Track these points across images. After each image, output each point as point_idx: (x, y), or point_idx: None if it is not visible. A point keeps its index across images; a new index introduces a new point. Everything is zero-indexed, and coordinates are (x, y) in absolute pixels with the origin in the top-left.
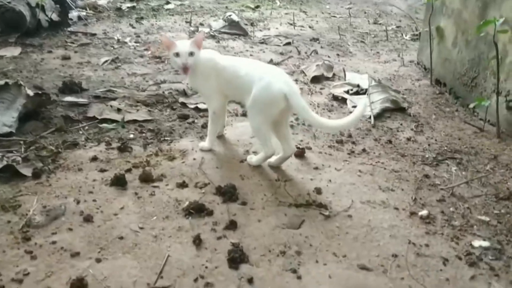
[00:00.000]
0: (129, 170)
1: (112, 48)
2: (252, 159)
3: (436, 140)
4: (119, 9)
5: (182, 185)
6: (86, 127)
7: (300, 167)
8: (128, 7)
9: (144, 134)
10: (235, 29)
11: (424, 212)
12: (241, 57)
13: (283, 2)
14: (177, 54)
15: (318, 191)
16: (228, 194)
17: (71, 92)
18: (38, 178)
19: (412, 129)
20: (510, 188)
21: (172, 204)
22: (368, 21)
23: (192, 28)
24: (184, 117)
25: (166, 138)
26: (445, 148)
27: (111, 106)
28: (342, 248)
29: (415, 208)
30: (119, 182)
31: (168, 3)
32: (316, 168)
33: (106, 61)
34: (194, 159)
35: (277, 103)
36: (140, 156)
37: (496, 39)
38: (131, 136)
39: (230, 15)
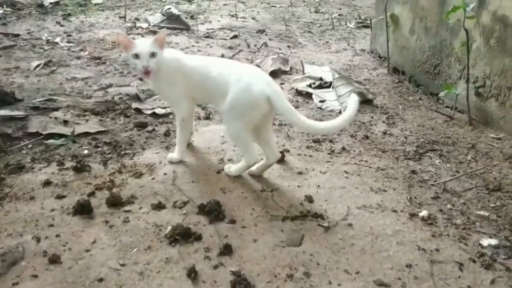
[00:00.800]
0: (92, 194)
1: (42, 50)
2: (231, 168)
3: (410, 132)
4: (41, 5)
5: (159, 206)
6: (30, 145)
7: (283, 173)
8: (51, 3)
9: (100, 149)
10: (176, 23)
11: (424, 213)
12: (210, 56)
13: None
14: (136, 56)
15: (310, 199)
16: (214, 212)
17: (3, 104)
18: None
19: (384, 122)
20: (496, 177)
21: (151, 230)
22: (309, 10)
23: (128, 24)
24: (142, 125)
25: (127, 152)
26: (422, 140)
27: (55, 118)
28: (352, 263)
29: (413, 208)
30: (83, 209)
31: None
32: (300, 173)
33: (38, 65)
34: (165, 173)
35: (259, 106)
36: (102, 175)
37: (465, 25)
38: (86, 152)
39: (169, 8)
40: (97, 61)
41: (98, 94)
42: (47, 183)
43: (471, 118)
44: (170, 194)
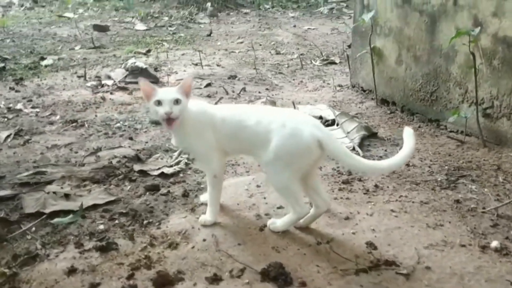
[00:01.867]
0: (131, 276)
1: (6, 119)
2: (276, 224)
3: (430, 160)
4: None
5: (215, 279)
6: (33, 228)
7: (329, 220)
8: None
9: (117, 221)
10: (143, 77)
11: (495, 244)
12: (240, 104)
13: (171, 43)
14: (158, 102)
15: (373, 246)
16: (281, 277)
17: None
18: None
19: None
20: None
21: None
22: (270, 52)
23: (93, 82)
24: (154, 189)
25: (149, 221)
26: (446, 167)
27: (53, 192)
28: None
29: (479, 240)
30: None
31: (43, 59)
32: (347, 218)
33: (8, 136)
34: (204, 240)
35: (310, 152)
36: (132, 252)
37: (472, 49)
38: (102, 227)
39: (134, 63)
40: (74, 124)
41: (90, 160)
42: (71, 271)
43: (484, 140)
44: (220, 263)
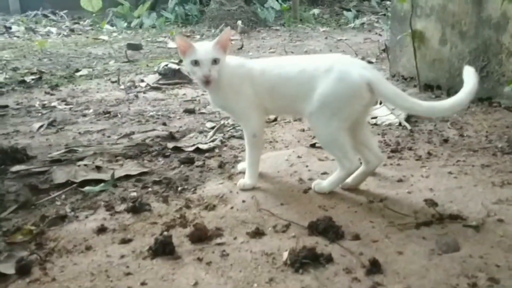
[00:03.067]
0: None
1: (40, 114)
2: (322, 184)
3: (487, 131)
4: (22, 81)
5: (257, 233)
6: (63, 196)
7: (380, 183)
8: (33, 79)
9: (150, 189)
10: (176, 78)
11: None
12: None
13: None
14: (196, 62)
15: (432, 202)
16: (331, 230)
17: (15, 162)
18: (27, 274)
19: (450, 128)
20: None
21: (263, 260)
22: None
23: (128, 84)
24: (189, 161)
25: (184, 187)
26: (507, 136)
27: (85, 165)
28: None
29: None
30: (165, 249)
31: (78, 70)
32: (400, 180)
33: (41, 126)
34: (244, 201)
35: (360, 96)
36: (167, 213)
37: None
38: (134, 194)
39: (166, 65)
40: (107, 115)
41: (122, 141)
42: (101, 229)
43: None
44: (262, 220)
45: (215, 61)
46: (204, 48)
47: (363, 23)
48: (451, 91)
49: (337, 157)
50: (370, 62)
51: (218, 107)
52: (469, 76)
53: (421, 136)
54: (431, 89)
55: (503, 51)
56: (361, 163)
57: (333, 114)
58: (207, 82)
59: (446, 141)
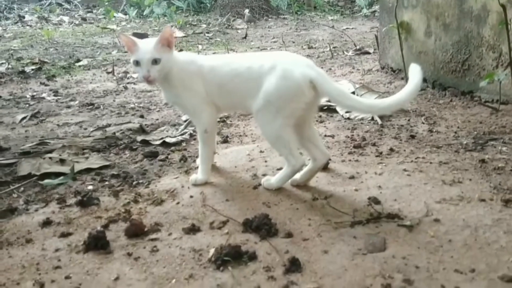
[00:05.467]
0: (106, 227)
1: (27, 105)
2: (271, 180)
3: (458, 127)
4: (22, 72)
5: (192, 229)
6: (22, 189)
7: (332, 179)
8: (33, 69)
9: (107, 182)
10: None
11: None
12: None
13: (205, 45)
14: (137, 63)
15: (375, 200)
16: (264, 227)
17: None
18: None
19: (423, 123)
20: None
21: (189, 257)
22: (302, 47)
23: (120, 75)
24: (152, 155)
25: (140, 181)
26: (475, 132)
27: (50, 158)
28: (461, 261)
29: (503, 195)
30: (97, 244)
31: (79, 60)
32: (352, 177)
33: (24, 117)
34: (191, 196)
35: (302, 93)
36: (114, 207)
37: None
38: (90, 187)
39: None
40: (90, 107)
41: (95, 133)
42: (46, 223)
43: None
44: (203, 216)
45: (155, 61)
46: (144, 48)
47: (374, 11)
48: (436, 83)
49: (283, 154)
50: (367, 53)
51: (171, 103)
52: (414, 75)
53: (390, 131)
54: None
55: (483, 44)
56: (309, 160)
57: (277, 111)
58: (148, 82)
59: (413, 137)
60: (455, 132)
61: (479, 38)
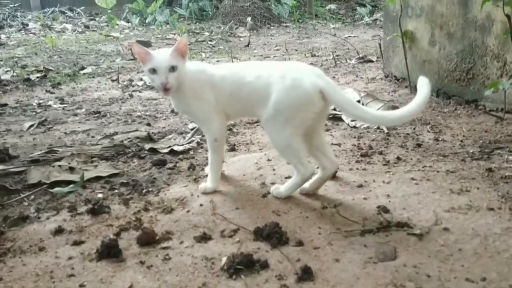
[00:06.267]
0: (117, 235)
1: (34, 113)
2: (280, 189)
3: (464, 136)
4: (27, 79)
5: (204, 238)
6: (32, 197)
7: (340, 188)
8: (38, 77)
9: (117, 191)
10: None
11: None
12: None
13: (208, 53)
14: (153, 71)
15: (384, 209)
16: (275, 235)
17: None
18: None
19: (429, 132)
20: None
21: (202, 265)
22: (305, 55)
23: (125, 83)
24: (161, 163)
25: (149, 190)
26: (481, 141)
27: (59, 166)
28: (472, 269)
29: (511, 204)
30: (110, 252)
31: (83, 68)
32: (361, 185)
33: (32, 125)
34: (201, 205)
35: (312, 103)
36: (124, 215)
37: (506, 10)
38: (100, 195)
39: None
40: (96, 115)
41: (103, 141)
42: (58, 231)
43: None
44: (213, 225)
45: (172, 68)
46: (161, 55)
47: (376, 19)
48: (440, 92)
49: (292, 163)
50: (370, 61)
51: (180, 112)
52: (422, 87)
53: (396, 139)
54: None
55: (487, 53)
56: (317, 168)
57: (287, 121)
58: (165, 89)
59: (419, 145)
60: (461, 141)
61: (484, 47)
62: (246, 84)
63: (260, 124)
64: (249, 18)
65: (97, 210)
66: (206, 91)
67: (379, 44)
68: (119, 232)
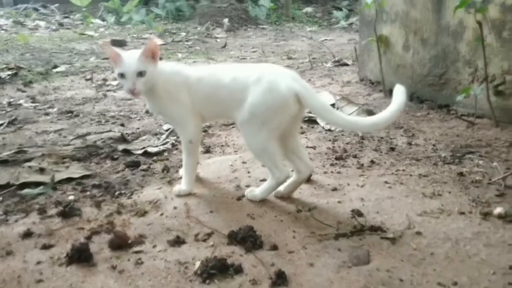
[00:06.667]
0: (89, 238)
1: (4, 112)
2: (255, 192)
3: (436, 140)
4: None
5: (177, 241)
6: (0, 198)
7: (315, 191)
8: (8, 75)
9: (88, 193)
10: None
11: (499, 210)
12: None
13: (185, 53)
14: (121, 75)
15: (358, 213)
16: (249, 239)
17: None
18: None
19: (402, 135)
20: None
21: (175, 270)
22: (282, 58)
23: (99, 82)
24: (134, 165)
25: (122, 192)
26: (453, 145)
27: (29, 167)
28: (443, 273)
29: (482, 208)
30: (81, 256)
31: (56, 66)
32: (335, 189)
33: (1, 124)
34: (175, 208)
35: (287, 106)
36: (96, 218)
37: (480, 19)
38: (71, 197)
39: None
40: (69, 114)
41: (75, 142)
42: (27, 234)
43: (497, 120)
44: (187, 228)
45: (140, 74)
46: (129, 60)
47: (351, 23)
48: (413, 96)
49: (267, 166)
50: (345, 65)
51: (155, 113)
52: (398, 95)
53: (370, 143)
54: None
55: (459, 59)
56: (292, 171)
57: (262, 124)
58: (133, 94)
59: (393, 149)
60: (433, 145)
61: (456, 53)
62: (222, 86)
63: (236, 126)
64: (226, 19)
65: (68, 212)
66: (182, 92)
67: (355, 48)
68: (90, 235)
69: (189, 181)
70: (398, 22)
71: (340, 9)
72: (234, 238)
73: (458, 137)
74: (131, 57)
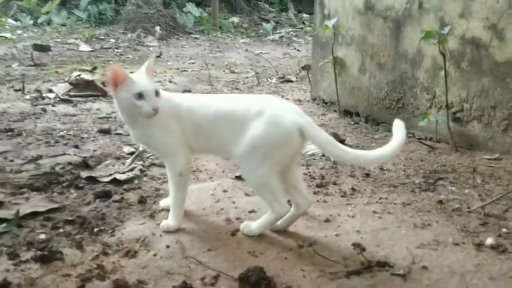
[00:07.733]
0: None
1: None
2: (251, 226)
3: (404, 165)
4: None
5: (185, 287)
6: None
7: (308, 223)
8: None
9: (62, 230)
10: (90, 90)
11: (490, 241)
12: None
13: (116, 61)
14: (140, 95)
15: (360, 247)
16: (263, 282)
17: None
18: None
19: None
20: None
21: None
22: (224, 71)
23: (33, 95)
24: (105, 195)
25: (101, 228)
26: (422, 171)
27: None
28: None
29: (472, 239)
30: None
31: None
32: (327, 220)
33: None
34: (168, 246)
35: (292, 141)
36: (81, 262)
37: (442, 49)
38: (43, 236)
39: (79, 75)
40: (9, 133)
41: (28, 167)
42: (4, 285)
43: (456, 145)
44: (189, 270)
45: (156, 93)
46: (144, 79)
47: (282, 36)
48: (369, 118)
49: (267, 200)
50: (290, 81)
51: (141, 143)
52: (398, 130)
53: (344, 168)
54: (350, 115)
55: (417, 86)
56: (290, 205)
57: (264, 158)
58: (155, 114)
59: (367, 175)
60: (404, 170)
61: (414, 80)
62: (218, 117)
63: (232, 160)
64: (158, 27)
65: (47, 257)
66: (171, 122)
67: (305, 66)
68: (82, 285)
69: (178, 216)
70: (355, 45)
71: (268, 21)
72: (246, 281)
73: (423, 162)
74: (143, 77)
